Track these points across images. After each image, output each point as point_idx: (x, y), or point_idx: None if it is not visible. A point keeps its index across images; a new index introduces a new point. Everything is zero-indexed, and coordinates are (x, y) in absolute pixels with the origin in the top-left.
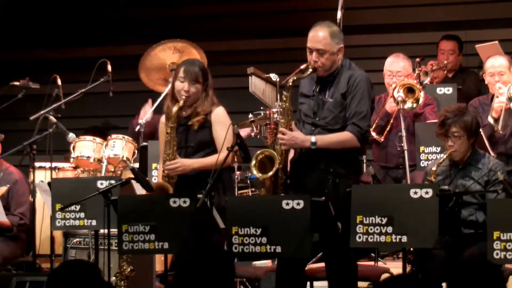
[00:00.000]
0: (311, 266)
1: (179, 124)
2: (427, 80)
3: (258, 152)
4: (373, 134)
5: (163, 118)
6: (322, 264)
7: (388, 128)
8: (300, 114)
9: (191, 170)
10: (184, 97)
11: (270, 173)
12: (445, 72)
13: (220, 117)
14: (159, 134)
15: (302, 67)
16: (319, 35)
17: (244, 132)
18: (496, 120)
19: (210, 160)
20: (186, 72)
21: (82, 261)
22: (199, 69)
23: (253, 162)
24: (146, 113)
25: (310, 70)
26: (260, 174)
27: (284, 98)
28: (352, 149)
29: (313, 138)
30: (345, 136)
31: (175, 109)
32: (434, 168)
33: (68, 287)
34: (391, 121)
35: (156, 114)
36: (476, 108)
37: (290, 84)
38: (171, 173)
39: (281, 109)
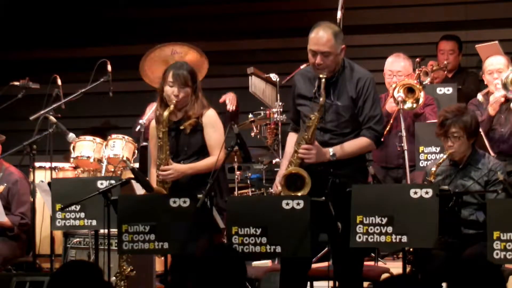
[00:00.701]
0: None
1: (170, 129)
2: (427, 81)
3: (284, 173)
4: None
5: (153, 123)
6: (322, 264)
7: (388, 128)
8: (300, 116)
9: (185, 176)
10: (174, 101)
11: (304, 192)
12: (445, 72)
13: (211, 120)
14: (150, 138)
15: (302, 67)
16: (324, 38)
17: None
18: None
19: (203, 164)
20: (175, 76)
21: (84, 261)
22: (188, 72)
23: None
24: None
25: (324, 80)
26: (291, 193)
27: (313, 117)
28: None
29: (331, 151)
30: (363, 142)
31: (166, 113)
32: (433, 169)
33: None
34: (391, 121)
35: None
36: (476, 107)
37: (322, 104)
38: (166, 179)
39: (306, 125)
